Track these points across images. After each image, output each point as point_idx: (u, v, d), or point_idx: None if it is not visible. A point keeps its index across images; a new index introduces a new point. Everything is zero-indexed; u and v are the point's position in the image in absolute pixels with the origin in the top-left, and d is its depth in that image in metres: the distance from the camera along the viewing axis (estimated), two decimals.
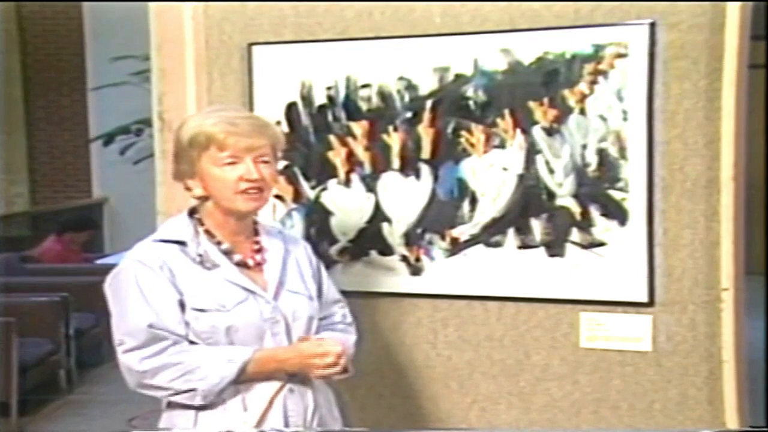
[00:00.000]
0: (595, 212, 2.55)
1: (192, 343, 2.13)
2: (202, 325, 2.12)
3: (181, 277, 2.13)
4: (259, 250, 2.24)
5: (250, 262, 2.21)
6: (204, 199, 2.19)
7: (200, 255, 2.16)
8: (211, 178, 2.15)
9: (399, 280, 2.74)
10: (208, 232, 2.20)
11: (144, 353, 2.09)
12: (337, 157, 2.76)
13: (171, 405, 2.17)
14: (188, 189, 2.21)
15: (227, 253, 2.19)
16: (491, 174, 2.63)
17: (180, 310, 2.12)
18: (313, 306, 2.25)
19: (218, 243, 2.19)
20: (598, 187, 2.54)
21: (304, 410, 2.19)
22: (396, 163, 2.72)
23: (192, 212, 2.24)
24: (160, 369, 2.09)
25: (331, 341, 2.21)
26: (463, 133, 2.65)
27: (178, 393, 2.10)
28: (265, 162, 2.16)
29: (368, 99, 2.72)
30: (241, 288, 2.15)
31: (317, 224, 2.77)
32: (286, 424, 2.15)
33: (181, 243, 2.17)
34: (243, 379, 2.12)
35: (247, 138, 2.13)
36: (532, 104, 2.57)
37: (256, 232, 2.26)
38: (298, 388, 2.18)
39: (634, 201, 2.51)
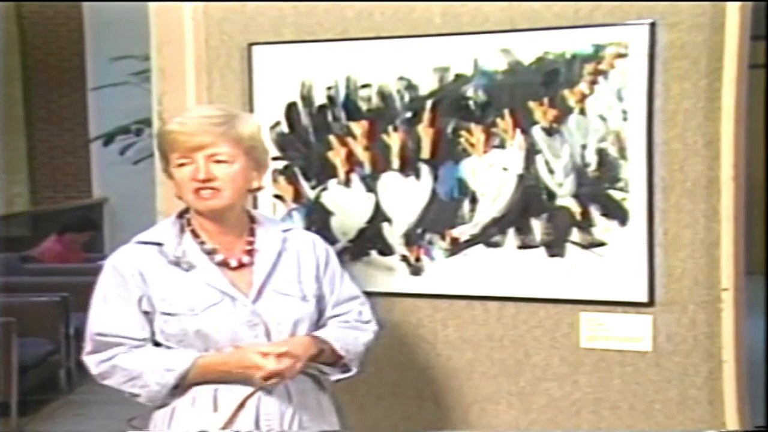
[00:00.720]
0: (595, 212, 2.55)
1: (157, 344, 2.15)
2: (172, 328, 2.13)
3: (154, 280, 2.14)
4: (250, 251, 2.20)
5: (233, 263, 2.18)
6: (180, 198, 2.20)
7: (177, 256, 2.15)
8: (174, 179, 2.16)
9: (399, 280, 2.74)
10: (193, 232, 2.19)
11: (97, 358, 2.17)
12: (337, 157, 2.76)
13: (158, 406, 2.19)
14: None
15: (209, 253, 2.17)
16: (491, 174, 2.63)
17: (141, 315, 2.14)
18: (305, 308, 2.21)
19: (202, 243, 2.18)
20: (598, 187, 2.54)
21: (281, 414, 2.16)
22: (396, 163, 2.72)
23: (184, 213, 2.23)
24: (110, 373, 2.16)
25: (280, 344, 2.11)
26: (463, 133, 2.65)
27: (129, 394, 2.16)
28: (221, 161, 2.11)
29: (368, 99, 2.72)
30: (216, 290, 2.13)
31: (317, 224, 2.76)
32: (257, 427, 2.14)
33: (159, 244, 2.17)
34: (189, 384, 2.13)
35: (193, 137, 2.10)
36: (532, 104, 2.57)
37: (252, 232, 2.24)
38: (277, 391, 2.16)
39: (634, 201, 2.51)
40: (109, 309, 2.15)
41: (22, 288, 6.21)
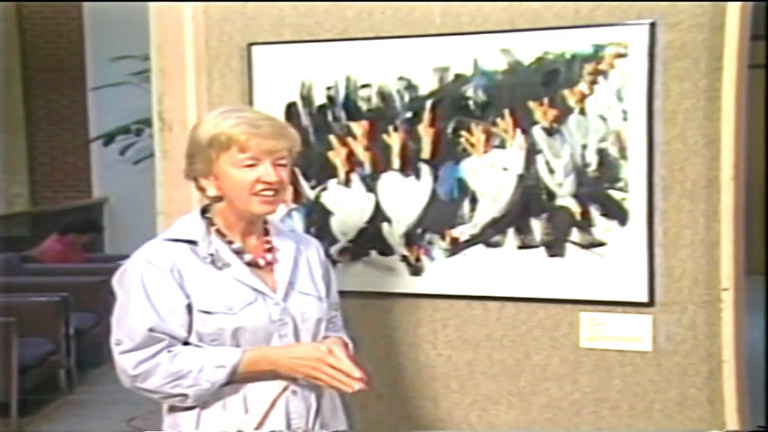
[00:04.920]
0: (595, 212, 2.55)
1: (187, 344, 2.13)
2: (209, 327, 2.11)
3: (190, 278, 2.12)
4: (270, 250, 2.22)
5: (261, 262, 2.19)
6: (218, 199, 2.18)
7: (211, 254, 2.15)
8: (228, 179, 2.13)
9: (399, 280, 2.74)
10: (218, 231, 2.19)
11: (139, 356, 2.08)
12: (337, 157, 2.76)
13: (173, 408, 2.17)
14: (201, 189, 2.19)
15: (238, 253, 2.17)
16: (491, 174, 2.63)
17: (186, 313, 2.11)
18: (321, 307, 2.23)
19: (229, 242, 2.18)
20: (598, 187, 2.54)
21: (307, 412, 2.17)
22: (396, 163, 2.72)
23: (203, 211, 2.23)
24: (152, 373, 2.08)
25: (336, 346, 2.13)
26: (463, 133, 2.65)
27: (169, 396, 2.11)
28: (283, 165, 2.14)
29: (368, 99, 2.72)
30: (250, 289, 2.14)
31: (317, 224, 2.77)
32: (288, 426, 2.14)
33: (192, 242, 2.16)
34: (236, 380, 2.11)
35: (269, 140, 2.11)
36: (532, 104, 2.57)
37: (266, 232, 2.25)
38: (302, 389, 2.17)
39: (634, 201, 2.51)
40: (155, 304, 2.10)
41: (22, 288, 6.20)
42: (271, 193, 2.13)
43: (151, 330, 2.08)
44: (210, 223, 2.20)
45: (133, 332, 2.09)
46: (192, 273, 2.13)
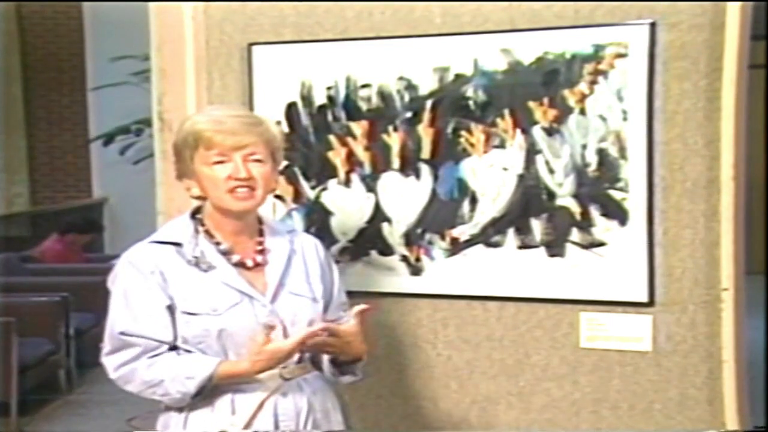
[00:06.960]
0: (595, 212, 2.55)
1: (175, 348, 2.13)
2: (193, 329, 2.11)
3: (174, 280, 2.13)
4: (262, 251, 2.21)
5: (249, 263, 2.18)
6: (202, 198, 2.19)
7: (195, 257, 2.15)
8: (203, 178, 2.14)
9: (399, 280, 2.74)
10: (207, 232, 2.18)
11: (116, 360, 2.13)
12: (337, 157, 2.76)
13: (167, 407, 2.18)
14: (188, 189, 2.20)
15: (226, 254, 2.17)
16: (491, 174, 2.63)
17: (168, 315, 2.12)
18: (315, 308, 2.22)
19: (217, 243, 2.17)
20: (598, 187, 2.54)
21: (297, 414, 2.16)
22: (396, 163, 2.72)
23: (195, 213, 2.23)
24: (130, 378, 2.12)
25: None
26: (463, 133, 2.65)
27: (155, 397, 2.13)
28: (257, 161, 2.13)
29: (368, 99, 2.72)
30: (236, 290, 2.13)
31: (317, 224, 2.77)
32: (276, 427, 2.14)
33: (177, 244, 2.16)
34: (211, 388, 2.11)
35: (234, 136, 2.11)
36: (532, 104, 2.57)
37: (261, 233, 2.24)
38: (292, 392, 2.16)
39: (634, 201, 2.51)
40: (132, 308, 2.12)
41: (22, 288, 6.21)
42: (244, 189, 2.12)
43: (123, 334, 2.12)
44: (200, 224, 2.20)
45: (110, 335, 2.14)
46: (176, 275, 2.13)
